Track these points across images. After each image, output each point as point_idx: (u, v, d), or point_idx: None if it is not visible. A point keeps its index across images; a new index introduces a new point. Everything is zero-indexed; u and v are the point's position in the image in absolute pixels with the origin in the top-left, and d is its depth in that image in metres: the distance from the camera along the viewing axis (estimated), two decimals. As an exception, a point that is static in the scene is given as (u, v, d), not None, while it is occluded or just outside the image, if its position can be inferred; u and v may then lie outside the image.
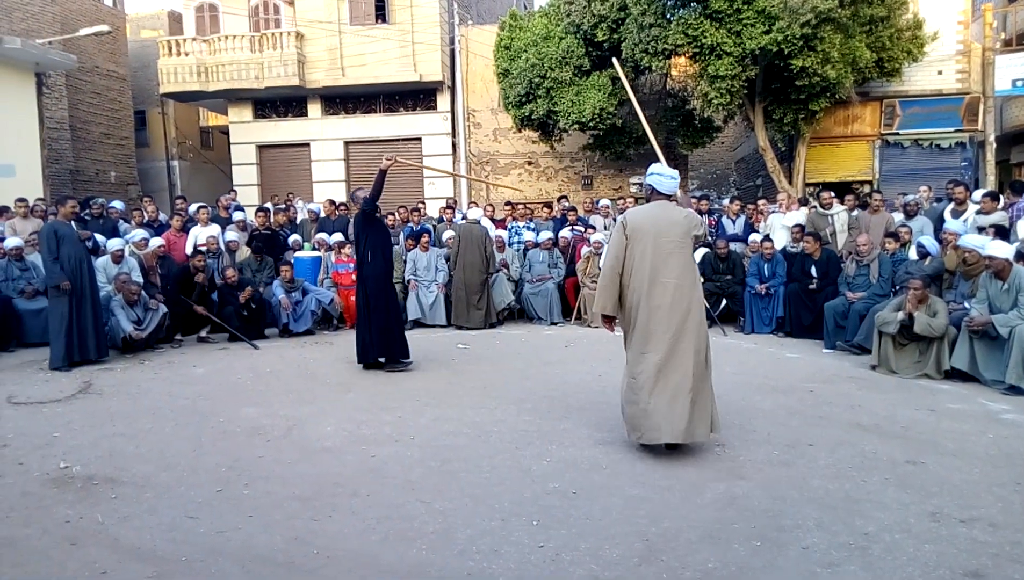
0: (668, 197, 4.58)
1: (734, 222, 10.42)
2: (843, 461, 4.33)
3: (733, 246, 9.76)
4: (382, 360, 7.09)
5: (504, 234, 10.75)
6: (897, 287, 7.71)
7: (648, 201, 4.66)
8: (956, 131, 14.86)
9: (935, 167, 14.70)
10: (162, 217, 11.44)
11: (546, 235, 10.57)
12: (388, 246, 7.26)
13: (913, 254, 8.01)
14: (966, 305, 6.61)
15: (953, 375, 6.38)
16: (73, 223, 7.70)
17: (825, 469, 4.20)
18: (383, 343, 6.98)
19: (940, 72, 14.73)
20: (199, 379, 6.88)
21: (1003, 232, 7.64)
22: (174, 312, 8.46)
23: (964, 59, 14.72)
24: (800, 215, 9.88)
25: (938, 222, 8.63)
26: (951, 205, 8.79)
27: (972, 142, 14.86)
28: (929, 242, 7.84)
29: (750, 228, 10.14)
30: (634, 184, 17.85)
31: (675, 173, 4.63)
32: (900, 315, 6.55)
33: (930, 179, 13.06)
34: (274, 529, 3.51)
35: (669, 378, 4.32)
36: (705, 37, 11.79)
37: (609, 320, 4.61)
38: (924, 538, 3.32)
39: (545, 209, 12.12)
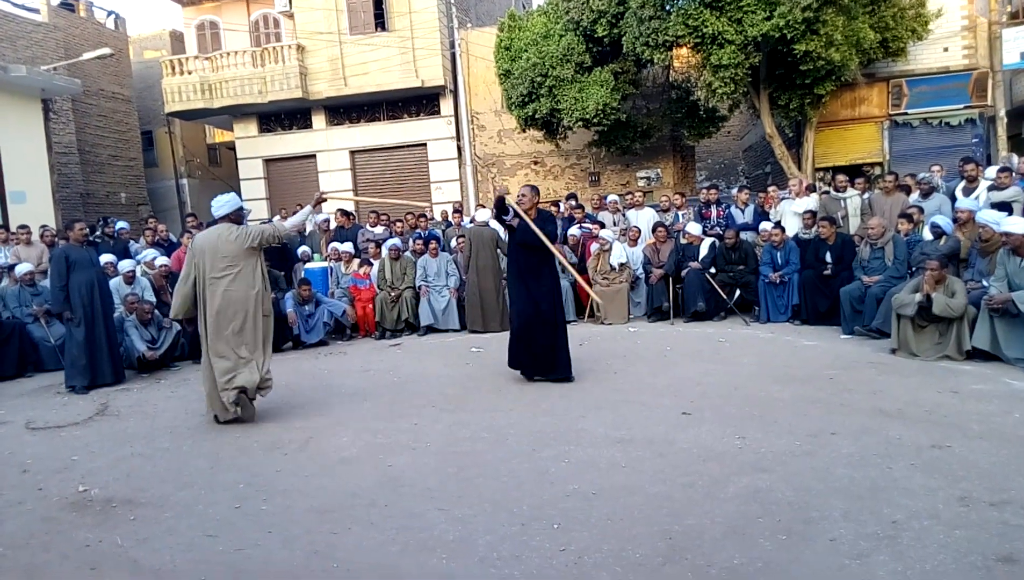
0: (229, 218, 5.62)
1: (743, 211, 10.32)
2: (867, 448, 4.25)
3: (744, 235, 9.67)
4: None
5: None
6: (913, 269, 7.60)
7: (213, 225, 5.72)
8: (965, 108, 14.69)
9: (946, 145, 14.53)
10: (172, 236, 11.48)
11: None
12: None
13: (927, 234, 7.90)
14: (984, 283, 6.51)
15: (975, 355, 6.28)
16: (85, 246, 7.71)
17: (849, 458, 4.13)
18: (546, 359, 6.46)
19: (946, 49, 14.55)
20: (215, 395, 6.87)
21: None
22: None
23: (970, 34, 14.53)
24: (811, 201, 9.75)
25: (951, 200, 8.51)
26: (963, 183, 8.66)
27: (982, 118, 14.68)
28: (943, 221, 7.72)
29: (761, 216, 10.03)
30: (641, 178, 17.78)
31: (229, 196, 5.74)
32: (918, 297, 6.45)
33: (942, 158, 12.86)
34: (293, 544, 3.48)
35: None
36: (706, 27, 11.70)
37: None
38: (954, 524, 3.25)
39: (552, 208, 12.05)
